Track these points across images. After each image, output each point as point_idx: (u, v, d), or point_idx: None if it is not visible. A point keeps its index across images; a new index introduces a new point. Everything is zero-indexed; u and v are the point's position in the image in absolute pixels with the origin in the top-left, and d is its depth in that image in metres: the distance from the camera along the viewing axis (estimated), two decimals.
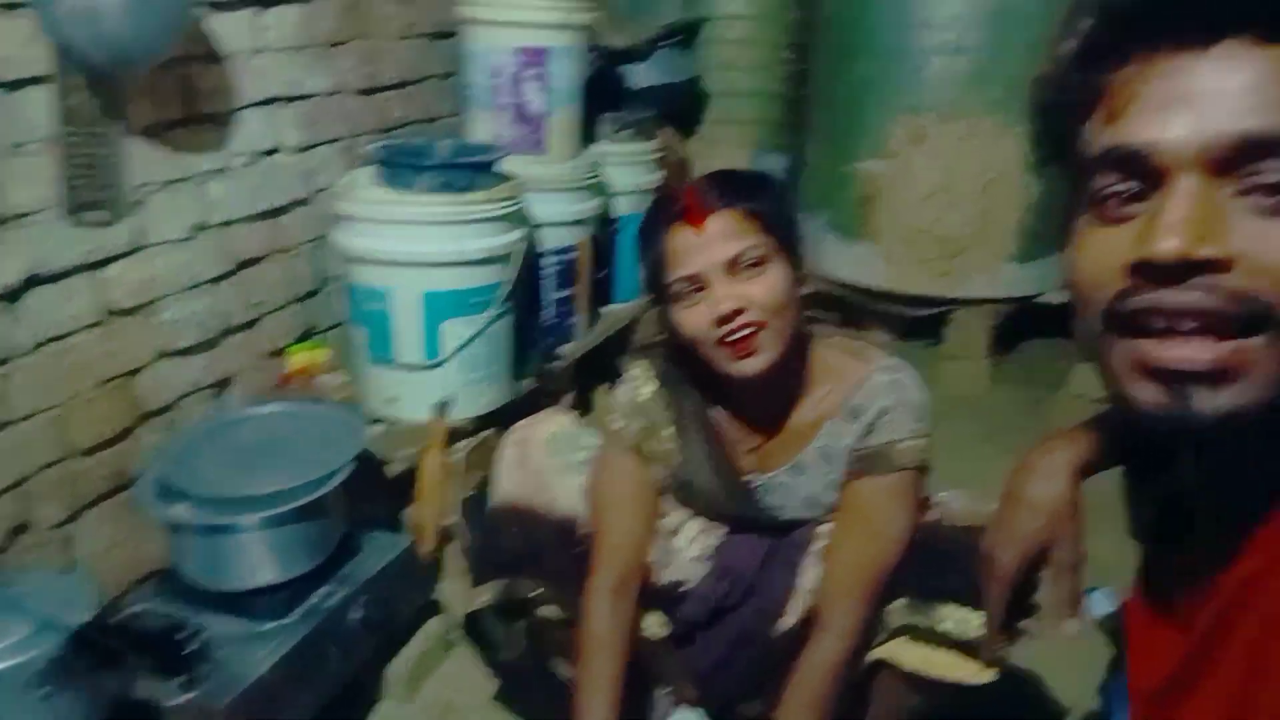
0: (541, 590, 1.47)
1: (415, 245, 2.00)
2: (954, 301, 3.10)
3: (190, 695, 1.36)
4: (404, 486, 1.97)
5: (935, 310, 3.13)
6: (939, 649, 1.24)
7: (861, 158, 3.11)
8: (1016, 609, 1.03)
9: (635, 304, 2.88)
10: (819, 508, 1.35)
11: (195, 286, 1.93)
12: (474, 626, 1.62)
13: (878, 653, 1.30)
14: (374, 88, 2.42)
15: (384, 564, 1.71)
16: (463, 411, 2.11)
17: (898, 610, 1.27)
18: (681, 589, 1.42)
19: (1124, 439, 0.90)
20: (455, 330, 2.07)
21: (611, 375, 1.47)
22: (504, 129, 2.48)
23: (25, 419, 1.61)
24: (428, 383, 2.07)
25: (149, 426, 1.85)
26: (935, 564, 1.25)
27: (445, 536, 1.94)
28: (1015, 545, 0.93)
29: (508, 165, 2.25)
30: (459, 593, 1.81)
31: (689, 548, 1.42)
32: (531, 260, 2.38)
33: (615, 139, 2.80)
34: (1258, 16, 0.56)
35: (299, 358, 2.20)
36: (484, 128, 2.51)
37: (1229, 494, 0.66)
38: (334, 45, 2.25)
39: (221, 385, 2.04)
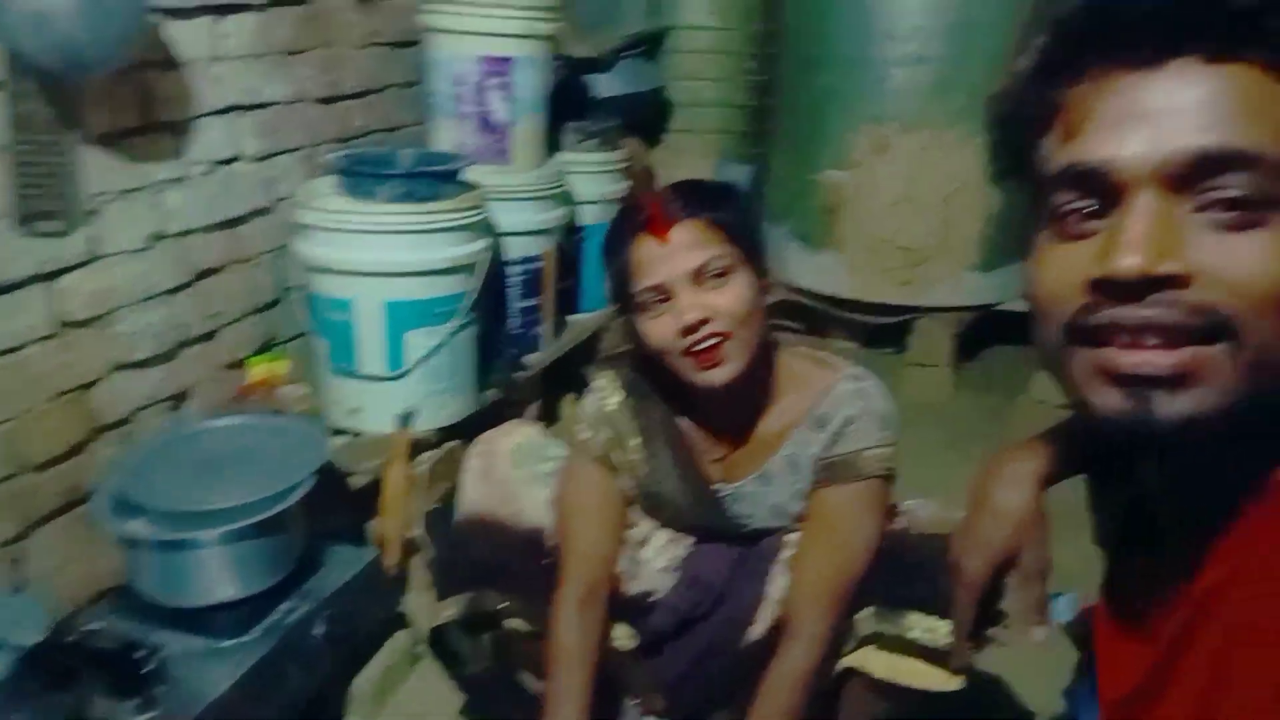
0: (508, 603, 1.45)
1: (378, 255, 1.99)
2: (917, 310, 3.13)
3: (147, 716, 1.33)
4: (367, 499, 1.94)
5: (899, 318, 3.16)
6: (907, 657, 1.24)
7: (825, 167, 3.13)
8: (984, 616, 1.03)
9: (601, 313, 2.88)
10: (786, 517, 1.35)
11: (152, 297, 1.89)
12: (440, 640, 1.60)
13: (847, 661, 1.30)
14: (335, 96, 2.40)
15: (347, 578, 1.68)
16: (427, 423, 2.09)
17: (866, 618, 1.27)
18: (650, 599, 1.41)
19: (1087, 447, 0.90)
20: (419, 340, 2.05)
21: (578, 385, 1.47)
22: (468, 138, 2.47)
23: None
24: (391, 394, 2.05)
25: (104, 440, 1.82)
26: (902, 572, 1.25)
27: (410, 549, 1.92)
28: (982, 553, 0.93)
29: (471, 174, 2.24)
30: (424, 606, 1.79)
31: (657, 558, 1.41)
32: (496, 270, 2.37)
33: (580, 148, 2.80)
34: (1206, 36, 0.56)
35: (259, 369, 2.17)
36: (447, 137, 2.49)
37: (1191, 502, 0.67)
38: (294, 53, 2.23)
39: (179, 398, 2.00)
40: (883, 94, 3.00)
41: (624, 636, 1.42)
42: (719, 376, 1.21)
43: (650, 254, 1.21)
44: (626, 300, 1.26)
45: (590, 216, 2.80)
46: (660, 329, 1.22)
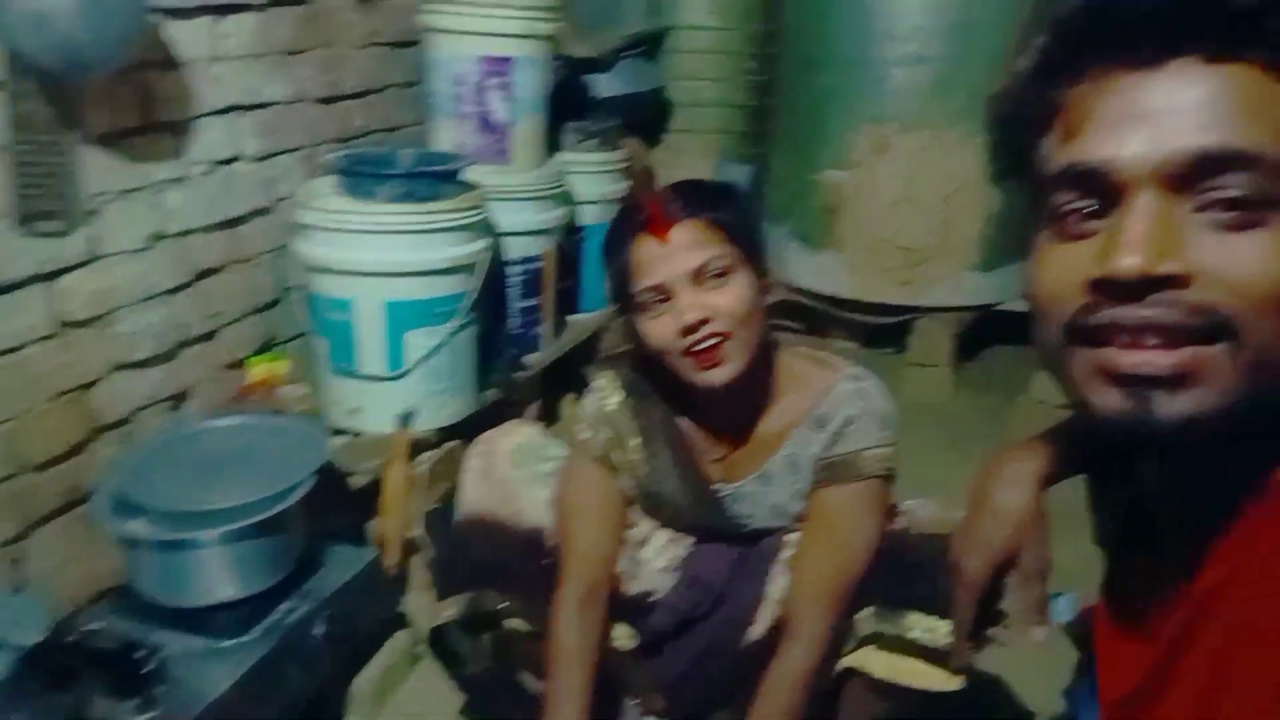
0: (508, 603, 1.45)
1: (378, 255, 1.98)
2: (917, 310, 3.12)
3: (147, 716, 1.33)
4: (367, 499, 1.94)
5: (899, 318, 3.16)
6: (908, 657, 1.24)
7: (825, 167, 3.13)
8: (984, 616, 1.03)
9: (601, 313, 2.87)
10: (786, 517, 1.35)
11: (152, 297, 1.89)
12: (440, 640, 1.60)
13: (847, 660, 1.30)
14: (335, 96, 2.40)
15: (347, 578, 1.68)
16: (427, 423, 2.09)
17: (866, 618, 1.27)
18: (650, 599, 1.41)
19: (1087, 447, 0.90)
20: (419, 340, 2.05)
21: (578, 385, 1.47)
22: (468, 138, 2.47)
23: None
24: (391, 394, 2.05)
25: (104, 440, 1.82)
26: (902, 572, 1.25)
27: (410, 549, 1.92)
28: (982, 553, 0.93)
29: (471, 174, 2.24)
30: (424, 606, 1.79)
31: (657, 558, 1.41)
32: (496, 270, 2.37)
33: (580, 148, 2.80)
34: (1206, 36, 0.56)
35: (259, 369, 2.17)
36: (447, 137, 2.49)
37: (1191, 502, 0.67)
38: (294, 53, 2.23)
39: (179, 398, 2.00)
40: (883, 94, 3.00)
41: (624, 636, 1.42)
42: (719, 376, 1.21)
43: (650, 254, 1.21)
44: (626, 300, 1.26)
45: (590, 216, 2.80)
46: (660, 329, 1.22)
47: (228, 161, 2.07)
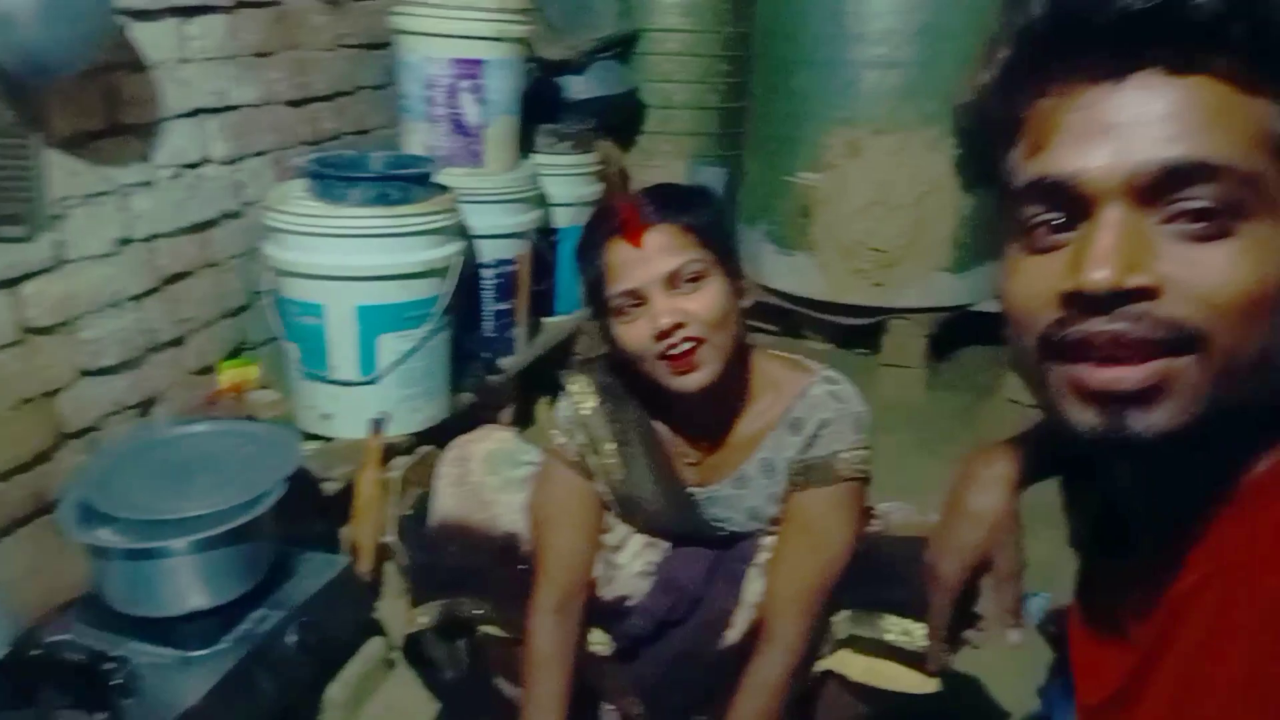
0: (483, 609, 1.44)
1: (349, 258, 1.97)
2: (890, 311, 3.14)
3: None
4: (340, 505, 1.93)
5: (872, 319, 3.17)
6: (884, 659, 1.24)
7: (798, 169, 3.14)
8: (959, 619, 1.03)
9: (576, 316, 2.87)
10: (762, 520, 1.35)
11: (119, 303, 1.87)
12: (414, 647, 1.58)
13: (824, 663, 1.30)
14: (304, 99, 2.38)
15: (320, 585, 1.66)
16: (400, 427, 2.07)
17: (842, 622, 1.27)
18: (626, 604, 1.40)
19: (1060, 450, 0.91)
20: (391, 345, 2.04)
21: (553, 388, 1.46)
22: (440, 141, 2.45)
23: None
24: (363, 399, 2.04)
25: (70, 448, 1.79)
26: (878, 575, 1.25)
27: (383, 556, 1.90)
28: (956, 556, 0.93)
29: (444, 177, 2.23)
30: (398, 613, 1.78)
31: (632, 563, 1.41)
32: (470, 273, 2.36)
33: (553, 151, 2.79)
34: (1168, 48, 0.57)
35: (229, 374, 2.15)
36: (419, 139, 2.48)
37: (1163, 506, 0.67)
38: (262, 55, 2.21)
39: (147, 404, 1.98)
40: (854, 97, 3.01)
41: (600, 641, 1.41)
42: (694, 381, 1.21)
43: (624, 259, 1.21)
44: (601, 305, 1.26)
45: (565, 219, 2.80)
46: (635, 334, 1.21)
47: (196, 165, 2.04)
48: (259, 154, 2.23)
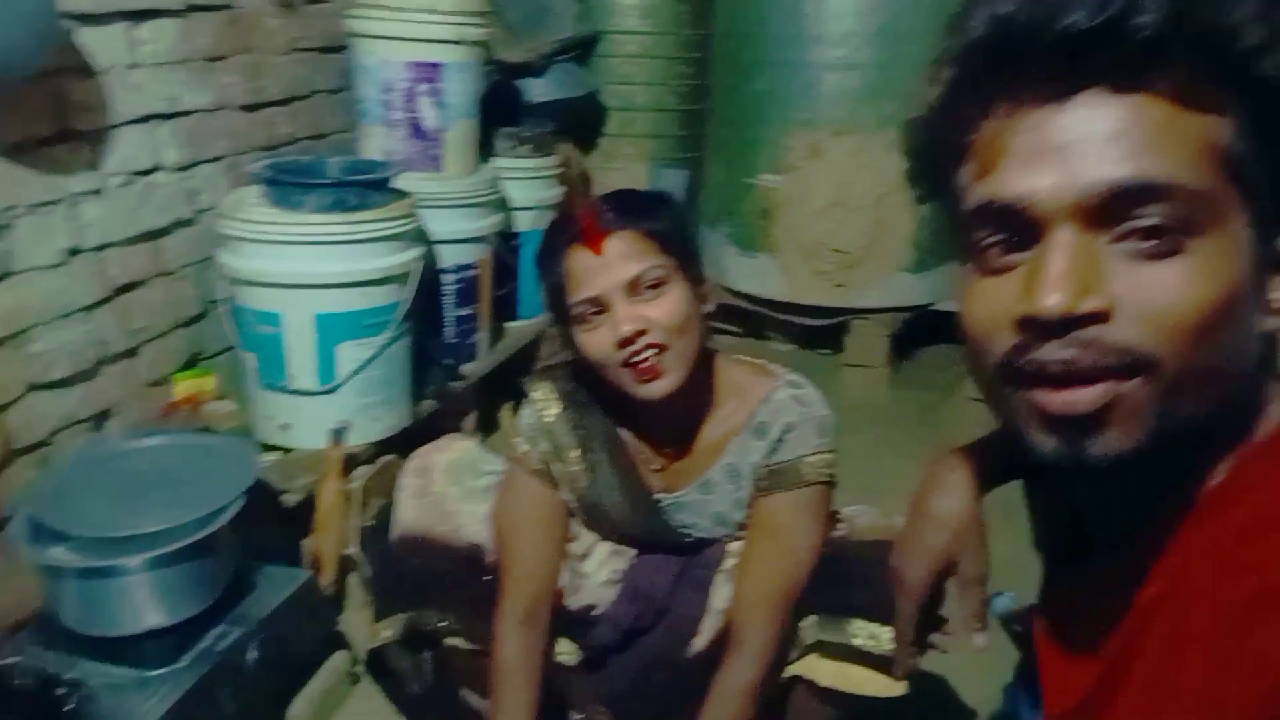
0: (448, 621, 1.42)
1: (306, 266, 1.94)
2: (851, 311, 3.16)
3: None
4: (301, 517, 1.90)
5: (834, 320, 3.19)
6: (852, 664, 1.24)
7: (759, 171, 3.15)
8: (926, 622, 1.03)
9: (540, 320, 2.85)
10: (729, 525, 1.35)
11: (69, 314, 1.83)
12: (379, 660, 1.56)
13: (792, 669, 1.30)
14: (259, 103, 2.34)
15: (281, 600, 1.63)
16: (360, 437, 2.05)
17: (809, 626, 1.27)
18: (593, 613, 1.40)
19: (1024, 455, 0.91)
20: (351, 353, 2.01)
21: (518, 393, 1.45)
22: (398, 145, 2.43)
23: None
24: (323, 408, 2.01)
25: (21, 464, 1.75)
26: (844, 580, 1.25)
27: (346, 568, 1.88)
28: (922, 560, 0.93)
29: (402, 182, 2.20)
30: (362, 626, 1.75)
31: (599, 571, 1.40)
32: (430, 279, 2.33)
33: (513, 154, 2.77)
34: (1111, 67, 0.56)
35: (185, 385, 2.11)
36: (377, 144, 2.45)
37: (1125, 519, 0.68)
38: (214, 60, 2.17)
39: (100, 418, 1.94)
40: (814, 99, 3.02)
41: (567, 651, 1.40)
42: (658, 389, 1.20)
43: (584, 266, 1.20)
44: (562, 313, 1.25)
45: (526, 222, 2.78)
46: (597, 341, 1.20)
47: (147, 172, 2.01)
48: (213, 160, 2.20)
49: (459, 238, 2.46)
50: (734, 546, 1.35)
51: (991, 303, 0.61)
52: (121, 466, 1.62)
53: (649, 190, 1.49)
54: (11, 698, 1.29)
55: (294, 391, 2.01)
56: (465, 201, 2.48)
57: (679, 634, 1.35)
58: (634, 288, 1.19)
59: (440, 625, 1.42)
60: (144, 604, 1.46)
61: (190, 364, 2.17)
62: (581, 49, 3.54)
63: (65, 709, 1.29)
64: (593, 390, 1.34)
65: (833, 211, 3.05)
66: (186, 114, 2.10)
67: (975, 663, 1.36)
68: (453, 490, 1.44)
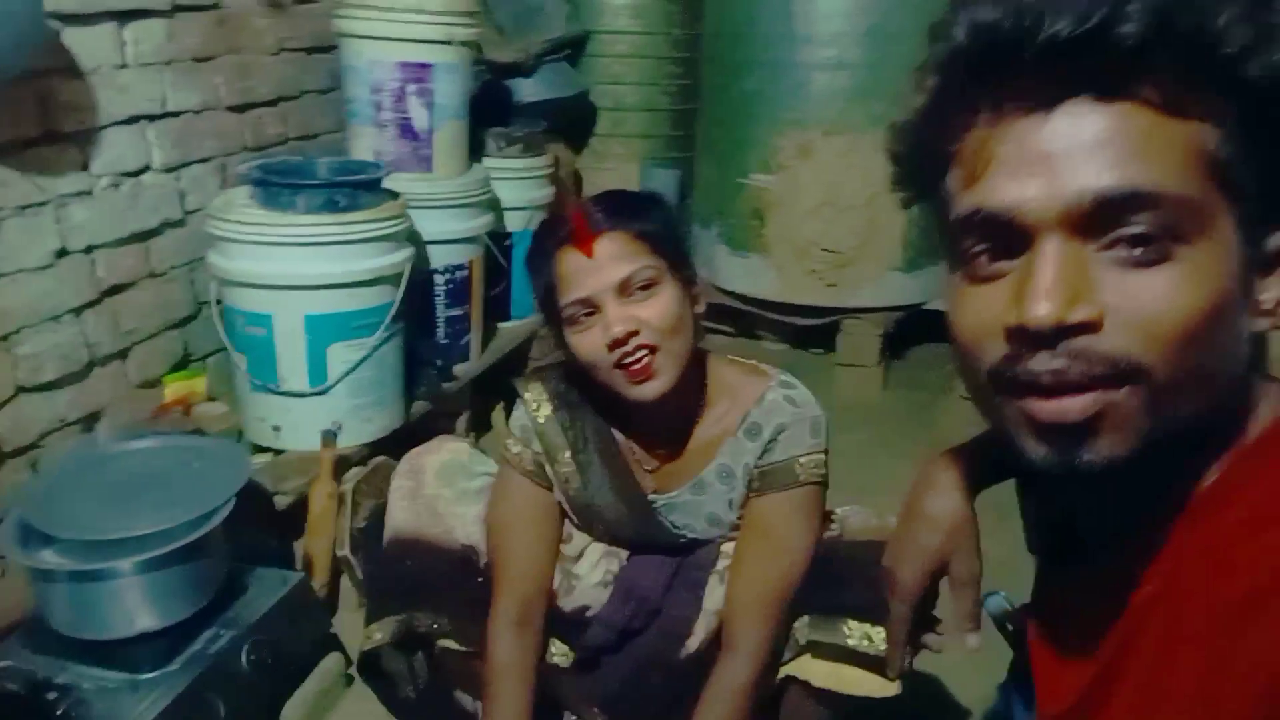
0: (441, 622, 1.42)
1: (296, 267, 1.93)
2: (844, 311, 3.16)
3: None
4: (293, 519, 1.90)
5: (826, 320, 3.19)
6: (846, 664, 1.24)
7: (750, 171, 3.15)
8: (919, 622, 1.03)
9: (532, 320, 2.85)
10: (722, 526, 1.35)
11: (58, 317, 1.82)
12: (372, 662, 1.56)
13: (786, 669, 1.29)
14: (248, 104, 2.34)
15: (274, 602, 1.63)
16: (352, 438, 2.04)
17: (802, 627, 1.27)
18: (586, 614, 1.39)
19: (1016, 456, 0.91)
20: (342, 354, 2.01)
21: (510, 394, 1.44)
22: (388, 145, 2.42)
23: None
24: (314, 410, 2.00)
25: (9, 467, 1.74)
26: (837, 580, 1.25)
27: (338, 570, 1.87)
28: (914, 561, 0.93)
29: (392, 183, 2.20)
30: (355, 628, 1.75)
31: (592, 573, 1.40)
32: (421, 279, 2.33)
33: (504, 154, 2.77)
34: (1096, 76, 0.56)
35: (175, 387, 2.10)
36: (367, 144, 2.44)
37: (1118, 521, 0.68)
38: (202, 60, 2.16)
39: (90, 420, 1.93)
40: (805, 98, 3.02)
41: (561, 652, 1.40)
42: (650, 390, 1.20)
43: (575, 267, 1.19)
44: (554, 314, 1.24)
45: (518, 222, 2.78)
46: (589, 343, 1.20)
47: (135, 173, 2.00)
48: (201, 161, 2.19)
49: (450, 238, 2.46)
50: (727, 547, 1.34)
51: (981, 311, 0.61)
52: (112, 469, 1.61)
53: (640, 191, 1.49)
54: (1, 703, 1.28)
55: (285, 393, 2.00)
56: (456, 202, 2.47)
57: (672, 635, 1.35)
58: (625, 289, 1.18)
59: (433, 627, 1.42)
60: (135, 607, 1.46)
61: (180, 366, 2.16)
62: (572, 49, 3.54)
63: (56, 714, 1.28)
64: (585, 391, 1.34)
65: (824, 211, 3.06)
66: (175, 115, 2.09)
67: (969, 663, 1.36)
68: (445, 492, 1.43)
